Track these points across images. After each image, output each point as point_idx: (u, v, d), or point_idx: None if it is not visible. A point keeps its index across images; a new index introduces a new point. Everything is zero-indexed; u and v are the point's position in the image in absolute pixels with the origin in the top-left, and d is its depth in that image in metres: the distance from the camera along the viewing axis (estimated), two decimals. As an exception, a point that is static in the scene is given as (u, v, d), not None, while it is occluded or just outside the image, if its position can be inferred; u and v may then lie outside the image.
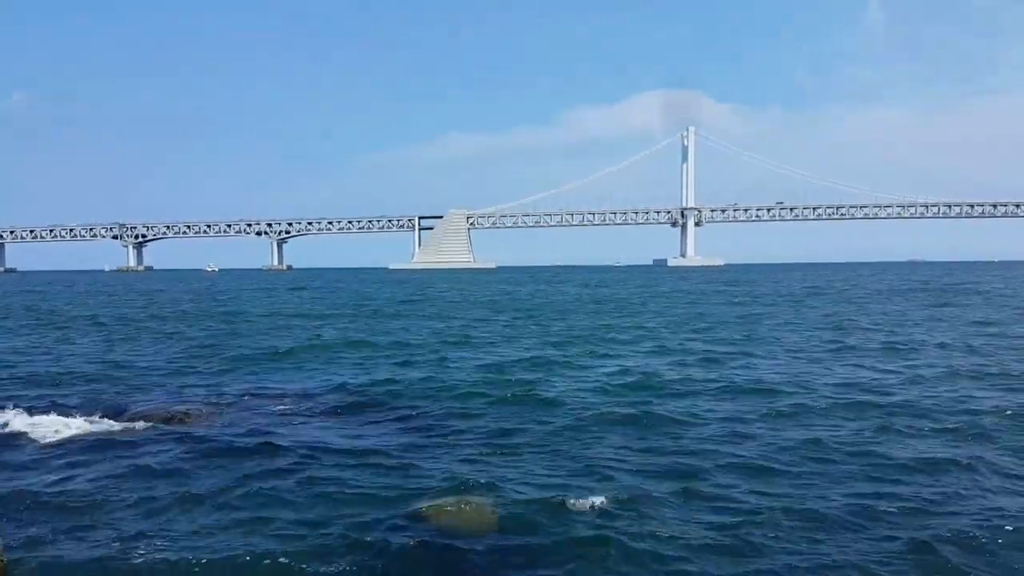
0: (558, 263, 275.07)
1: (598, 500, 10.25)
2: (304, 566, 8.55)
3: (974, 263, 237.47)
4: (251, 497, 10.79)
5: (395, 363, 24.38)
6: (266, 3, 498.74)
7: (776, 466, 11.96)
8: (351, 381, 20.27)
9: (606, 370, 21.94)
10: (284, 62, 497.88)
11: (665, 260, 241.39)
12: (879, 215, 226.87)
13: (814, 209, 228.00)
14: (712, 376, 20.41)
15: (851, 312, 44.01)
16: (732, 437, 13.83)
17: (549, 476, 11.55)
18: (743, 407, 16.31)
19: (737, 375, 20.66)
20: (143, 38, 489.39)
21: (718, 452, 12.84)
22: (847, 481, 11.18)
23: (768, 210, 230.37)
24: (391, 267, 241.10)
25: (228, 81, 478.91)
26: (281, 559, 8.71)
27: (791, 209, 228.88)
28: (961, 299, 55.79)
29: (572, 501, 10.25)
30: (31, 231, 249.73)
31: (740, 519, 9.68)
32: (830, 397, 17.35)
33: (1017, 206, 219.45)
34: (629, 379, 20.30)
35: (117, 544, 9.15)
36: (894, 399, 16.99)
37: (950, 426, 14.45)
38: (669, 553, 8.77)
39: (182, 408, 16.79)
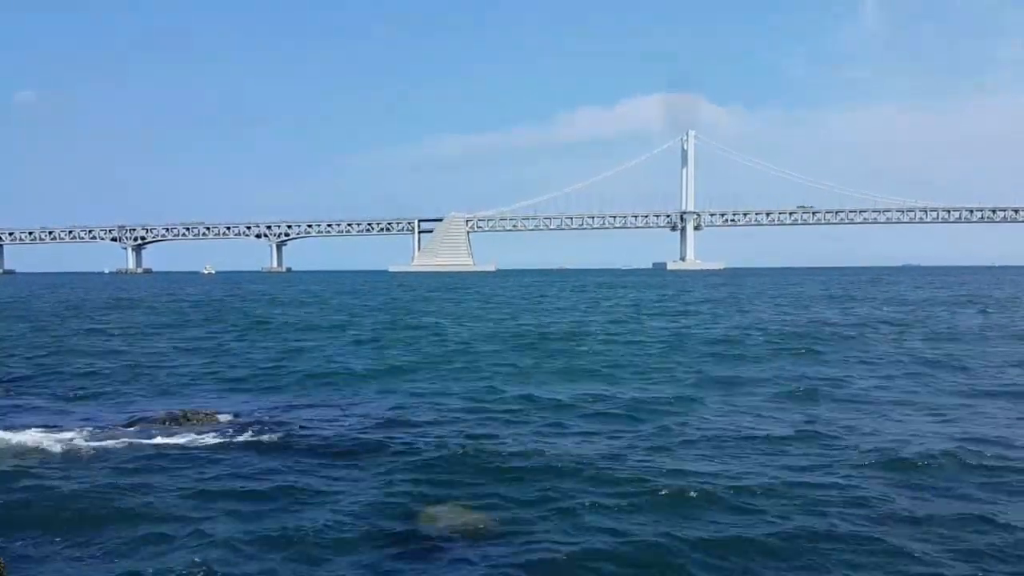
0: (561, 266, 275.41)
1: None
2: (300, 571, 8.45)
3: (973, 268, 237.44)
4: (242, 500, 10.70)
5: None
6: (265, 2, 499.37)
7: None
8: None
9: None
10: (282, 62, 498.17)
11: (665, 264, 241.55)
12: (878, 219, 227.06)
13: (813, 214, 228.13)
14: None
15: None
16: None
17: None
18: None
19: None
20: (140, 37, 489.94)
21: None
22: None
23: (767, 214, 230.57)
24: (391, 269, 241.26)
25: (226, 82, 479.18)
26: (272, 565, 8.63)
27: (790, 214, 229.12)
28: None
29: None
30: (30, 233, 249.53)
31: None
32: None
33: (1016, 211, 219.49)
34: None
35: (113, 548, 9.05)
36: None
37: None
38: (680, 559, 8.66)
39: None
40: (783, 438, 14.01)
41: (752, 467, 12.04)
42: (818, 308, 52.02)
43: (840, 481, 11.31)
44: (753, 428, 14.87)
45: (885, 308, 50.85)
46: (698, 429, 14.94)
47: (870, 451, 12.90)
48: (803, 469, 12.04)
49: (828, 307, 52.96)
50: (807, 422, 15.39)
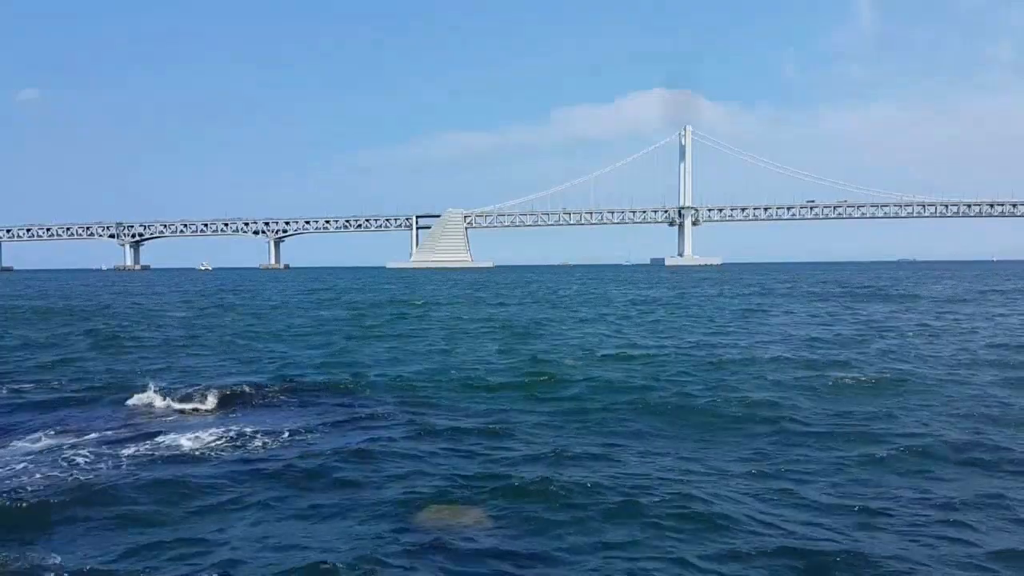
0: (561, 262, 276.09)
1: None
2: (295, 568, 8.57)
3: (971, 262, 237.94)
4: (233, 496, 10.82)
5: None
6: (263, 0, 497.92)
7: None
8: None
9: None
10: (279, 59, 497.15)
11: (663, 259, 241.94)
12: (876, 215, 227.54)
13: (811, 208, 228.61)
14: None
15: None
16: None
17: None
18: None
19: None
20: (138, 36, 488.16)
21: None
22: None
23: (765, 209, 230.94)
24: (389, 265, 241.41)
25: (225, 80, 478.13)
26: (271, 561, 8.69)
27: (788, 208, 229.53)
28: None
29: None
30: (28, 230, 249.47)
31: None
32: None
33: (1014, 205, 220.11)
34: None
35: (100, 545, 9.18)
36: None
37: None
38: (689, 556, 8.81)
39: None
40: None
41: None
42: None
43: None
44: None
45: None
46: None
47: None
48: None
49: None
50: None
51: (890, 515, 9.89)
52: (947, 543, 8.98)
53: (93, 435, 14.61)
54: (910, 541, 9.05)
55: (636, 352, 26.04)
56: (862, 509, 10.08)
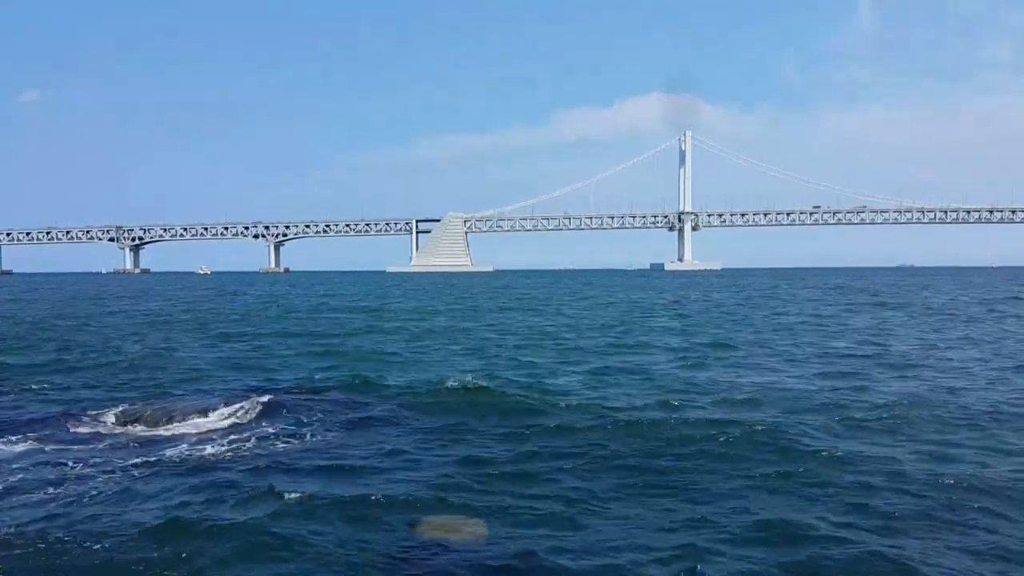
0: (564, 267, 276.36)
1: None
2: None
3: (970, 268, 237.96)
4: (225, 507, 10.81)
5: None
6: (262, 1, 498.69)
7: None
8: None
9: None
10: (279, 59, 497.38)
11: (662, 264, 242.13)
12: (875, 220, 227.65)
13: (811, 214, 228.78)
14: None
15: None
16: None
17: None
18: None
19: None
20: (138, 36, 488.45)
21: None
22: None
23: (764, 214, 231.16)
24: (389, 270, 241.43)
25: (224, 82, 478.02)
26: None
27: (787, 214, 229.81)
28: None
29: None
30: (27, 233, 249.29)
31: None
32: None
33: (1013, 212, 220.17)
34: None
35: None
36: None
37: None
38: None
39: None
40: None
41: None
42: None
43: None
44: None
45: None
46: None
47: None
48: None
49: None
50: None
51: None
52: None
53: (94, 445, 14.63)
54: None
55: (643, 363, 26.03)
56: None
